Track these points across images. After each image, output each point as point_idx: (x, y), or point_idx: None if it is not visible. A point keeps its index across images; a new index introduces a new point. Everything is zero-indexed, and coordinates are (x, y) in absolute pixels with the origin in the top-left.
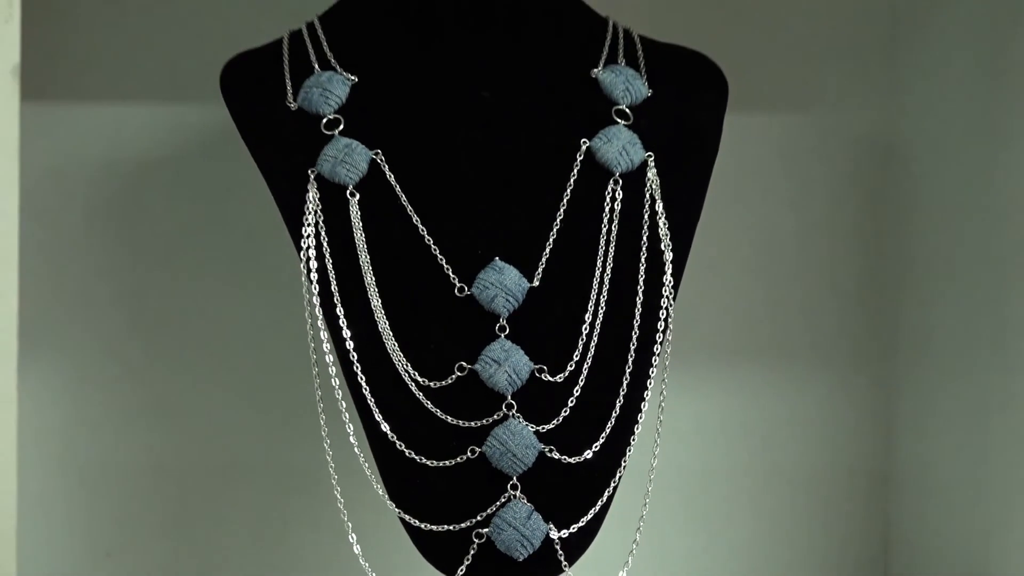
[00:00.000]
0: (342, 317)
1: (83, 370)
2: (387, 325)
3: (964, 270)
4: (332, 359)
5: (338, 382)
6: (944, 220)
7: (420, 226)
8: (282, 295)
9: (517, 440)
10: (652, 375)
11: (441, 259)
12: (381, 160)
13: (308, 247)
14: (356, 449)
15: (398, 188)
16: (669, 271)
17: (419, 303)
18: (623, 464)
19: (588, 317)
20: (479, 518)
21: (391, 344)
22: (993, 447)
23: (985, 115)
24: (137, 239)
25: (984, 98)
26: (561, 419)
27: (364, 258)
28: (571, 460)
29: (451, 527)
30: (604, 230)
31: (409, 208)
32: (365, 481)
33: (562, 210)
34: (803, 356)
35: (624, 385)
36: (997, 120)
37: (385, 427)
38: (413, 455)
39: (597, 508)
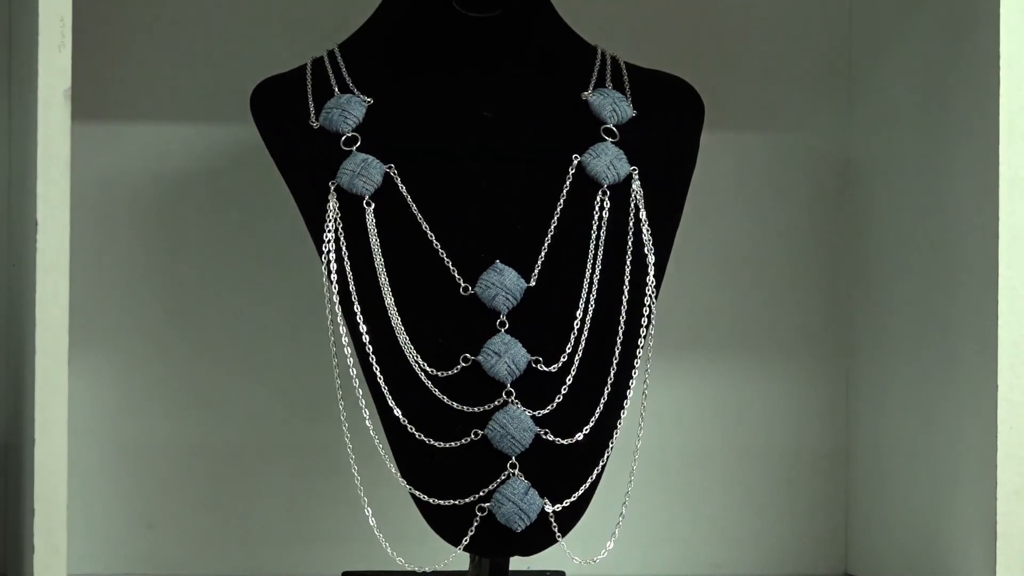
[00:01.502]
0: (359, 314)
1: (129, 361)
2: (399, 321)
3: (912, 271)
4: (350, 352)
5: (355, 372)
6: (895, 228)
7: (429, 232)
8: (305, 294)
9: (516, 424)
10: (636, 365)
11: (447, 262)
12: (394, 173)
13: (329, 251)
14: (372, 432)
15: (409, 198)
16: (651, 272)
17: (427, 301)
18: (610, 445)
19: (579, 313)
20: (482, 494)
21: (403, 338)
22: (938, 427)
23: (930, 134)
24: (177, 244)
25: (929, 120)
26: (555, 405)
27: (379, 261)
28: (564, 441)
29: (456, 502)
30: (593, 236)
31: (419, 216)
32: (380, 461)
33: (556, 218)
34: (771, 348)
35: (611, 374)
36: (941, 138)
37: (397, 412)
38: (423, 437)
39: (587, 484)
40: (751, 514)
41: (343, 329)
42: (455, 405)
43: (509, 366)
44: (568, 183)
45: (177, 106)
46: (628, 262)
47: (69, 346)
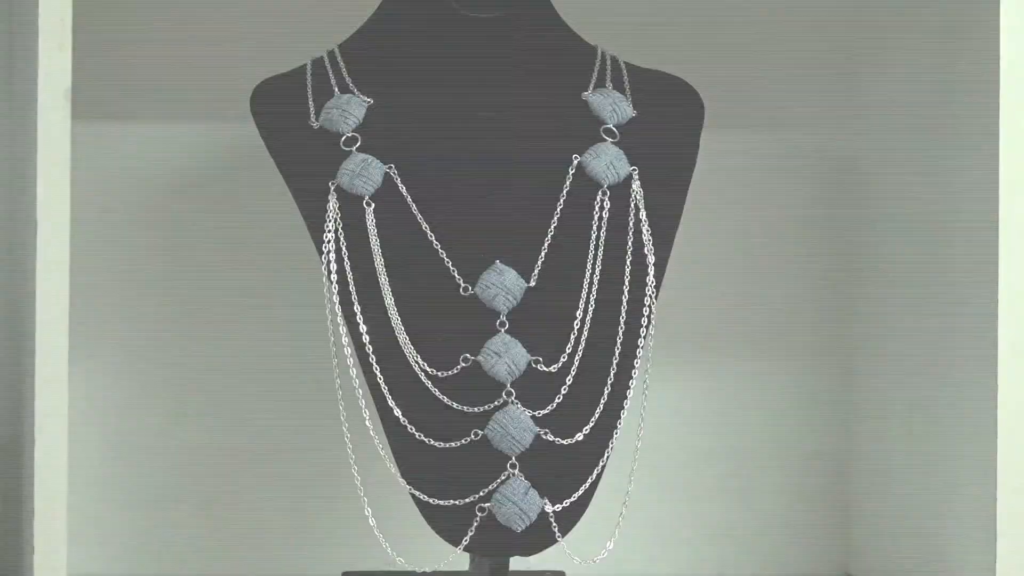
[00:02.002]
0: (359, 314)
1: (129, 361)
2: (399, 321)
3: (914, 272)
4: (350, 352)
5: (355, 372)
6: (895, 228)
7: (428, 232)
8: (305, 295)
9: (516, 424)
10: (636, 366)
11: (447, 262)
12: (394, 173)
13: (329, 251)
14: (371, 432)
15: (409, 198)
16: (652, 273)
17: (427, 301)
18: (610, 445)
19: (579, 313)
20: (481, 494)
21: (402, 338)
22: (938, 430)
23: (933, 134)
24: (177, 244)
25: (930, 119)
26: (555, 405)
27: (379, 261)
28: (564, 442)
29: (456, 502)
30: (594, 236)
31: (419, 216)
32: (379, 461)
33: (556, 218)
34: (772, 349)
35: (611, 375)
36: (941, 138)
37: (397, 412)
38: (422, 437)
39: (587, 485)
40: (751, 515)
41: (343, 329)
42: (455, 405)
43: (509, 366)
44: (568, 183)
45: (177, 106)
46: (628, 262)
47: (69, 346)
